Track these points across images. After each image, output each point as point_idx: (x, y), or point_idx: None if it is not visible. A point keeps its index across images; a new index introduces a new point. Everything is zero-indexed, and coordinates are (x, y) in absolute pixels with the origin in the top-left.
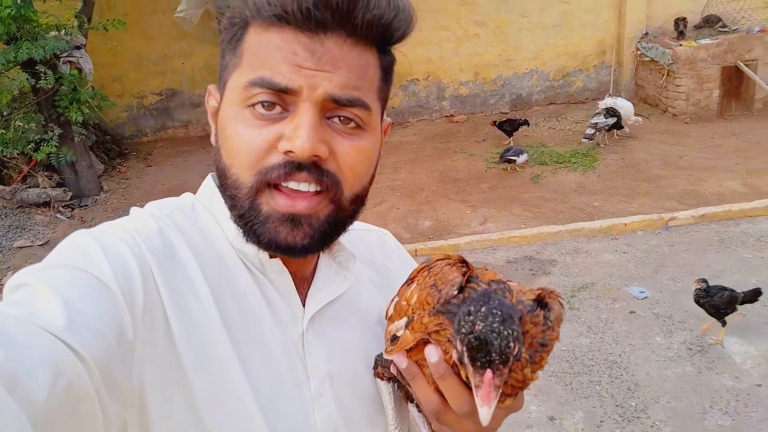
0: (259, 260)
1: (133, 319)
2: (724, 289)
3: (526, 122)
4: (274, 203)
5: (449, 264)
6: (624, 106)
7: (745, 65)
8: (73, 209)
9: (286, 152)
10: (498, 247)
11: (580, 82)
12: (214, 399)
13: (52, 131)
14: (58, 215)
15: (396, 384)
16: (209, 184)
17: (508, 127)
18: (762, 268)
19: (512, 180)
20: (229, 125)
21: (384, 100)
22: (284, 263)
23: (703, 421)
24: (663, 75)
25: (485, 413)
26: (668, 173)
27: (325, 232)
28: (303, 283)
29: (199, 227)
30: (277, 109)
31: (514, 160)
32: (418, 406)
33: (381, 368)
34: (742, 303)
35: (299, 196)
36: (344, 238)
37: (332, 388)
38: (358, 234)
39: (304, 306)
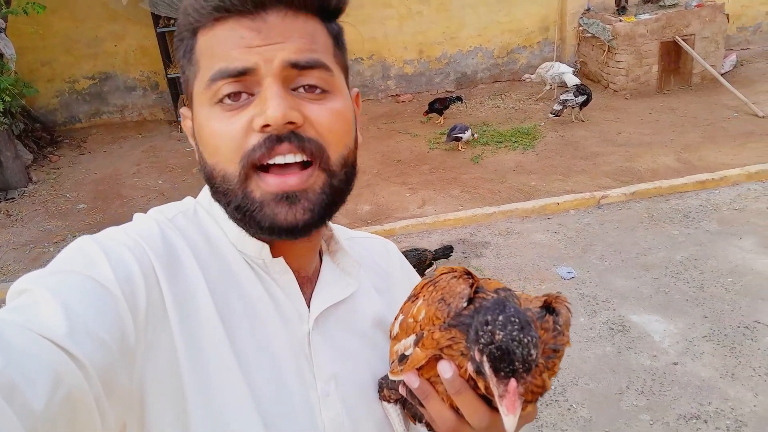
0: (262, 260)
1: (135, 324)
2: (415, 249)
3: (459, 99)
4: (265, 185)
5: (455, 277)
6: (565, 70)
7: (683, 40)
8: None
9: (262, 128)
10: (433, 231)
11: (524, 59)
12: (207, 403)
13: None
14: None
15: (402, 405)
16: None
17: (439, 105)
18: (687, 244)
19: (453, 161)
20: (204, 126)
21: (344, 67)
22: (287, 262)
23: (618, 402)
24: (604, 51)
25: (511, 422)
26: (605, 150)
27: (324, 204)
28: (306, 284)
29: (202, 230)
30: (243, 96)
31: (461, 137)
32: (428, 425)
33: (387, 390)
34: (435, 260)
35: (288, 172)
36: (347, 245)
37: (338, 389)
38: (361, 241)
39: (308, 307)
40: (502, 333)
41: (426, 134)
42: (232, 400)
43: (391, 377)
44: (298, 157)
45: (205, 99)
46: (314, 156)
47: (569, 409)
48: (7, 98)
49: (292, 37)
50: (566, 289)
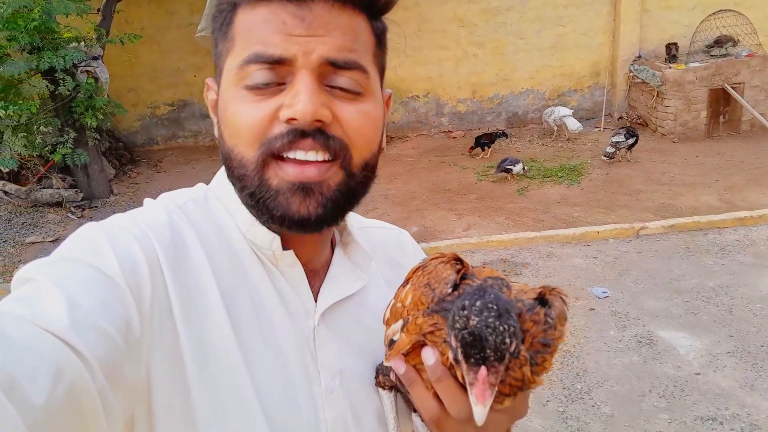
0: (272, 252)
1: (140, 315)
2: None
3: (503, 134)
4: (283, 173)
5: (443, 262)
6: (565, 113)
7: (732, 88)
8: (83, 210)
9: (289, 120)
10: (477, 251)
11: (575, 101)
12: (210, 394)
13: (67, 134)
14: (69, 215)
15: (399, 393)
16: (222, 175)
17: (485, 140)
18: (720, 273)
19: (500, 191)
20: (228, 106)
21: (381, 67)
22: (297, 254)
23: (640, 403)
24: (653, 96)
25: (480, 412)
26: (649, 188)
27: (338, 201)
28: (315, 277)
29: (212, 218)
30: (274, 84)
31: (511, 170)
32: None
33: (382, 377)
34: None
35: (307, 164)
36: (360, 235)
37: (343, 384)
38: (375, 232)
39: (316, 301)
40: (476, 318)
41: (475, 167)
42: (234, 392)
43: (385, 363)
44: (320, 155)
45: (234, 79)
46: (336, 155)
47: (593, 406)
48: (101, 116)
49: (335, 31)
50: (599, 306)
